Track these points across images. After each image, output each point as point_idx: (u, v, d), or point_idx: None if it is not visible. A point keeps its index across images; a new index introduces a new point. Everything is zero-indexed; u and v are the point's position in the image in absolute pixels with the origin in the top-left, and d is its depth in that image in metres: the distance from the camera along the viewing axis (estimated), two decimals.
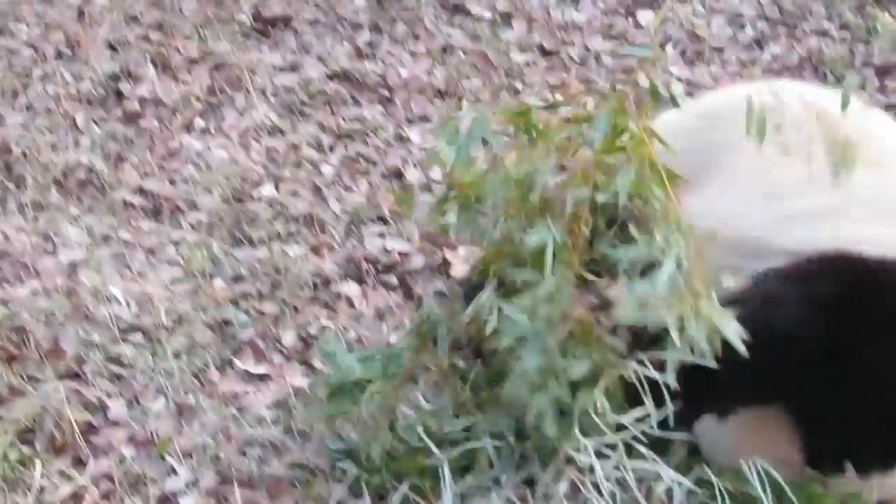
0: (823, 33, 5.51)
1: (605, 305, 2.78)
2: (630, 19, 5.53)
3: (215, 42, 5.02)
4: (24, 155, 4.39)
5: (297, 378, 3.47)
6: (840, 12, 5.60)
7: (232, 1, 5.27)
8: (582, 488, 2.74)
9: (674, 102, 2.87)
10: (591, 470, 2.73)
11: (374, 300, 3.83)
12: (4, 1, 5.41)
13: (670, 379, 2.65)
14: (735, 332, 2.62)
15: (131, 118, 4.65)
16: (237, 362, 3.52)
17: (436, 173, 4.38)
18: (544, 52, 5.26)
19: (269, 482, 3.06)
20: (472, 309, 2.83)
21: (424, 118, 4.81)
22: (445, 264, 3.90)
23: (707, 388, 2.74)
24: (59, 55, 5.05)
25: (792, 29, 5.55)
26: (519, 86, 5.03)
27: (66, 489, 3.01)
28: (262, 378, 3.49)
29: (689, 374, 2.67)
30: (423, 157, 4.55)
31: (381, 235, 4.12)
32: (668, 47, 5.20)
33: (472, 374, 2.99)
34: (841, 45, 5.37)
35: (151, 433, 3.20)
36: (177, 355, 3.48)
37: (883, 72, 5.15)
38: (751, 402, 2.85)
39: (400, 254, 3.99)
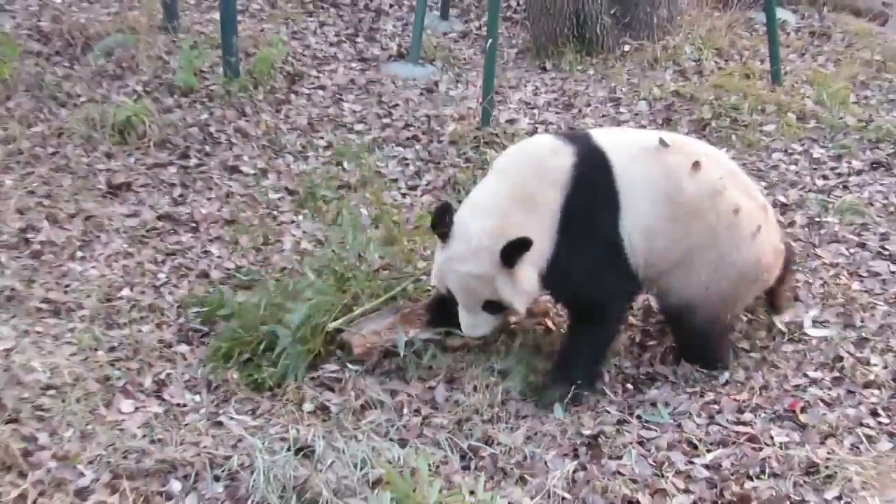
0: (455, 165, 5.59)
1: None
2: None
3: (85, 202, 4.83)
4: None
5: (155, 407, 3.53)
6: (464, 151, 5.65)
7: (92, 175, 5.05)
8: None
9: None
10: None
11: (198, 355, 3.88)
12: None
13: None
14: None
15: (36, 255, 4.39)
16: (116, 401, 3.54)
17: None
18: (289, 192, 5.23)
19: (143, 475, 3.07)
20: None
21: (219, 238, 4.76)
22: None
23: None
24: None
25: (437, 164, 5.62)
26: (276, 214, 5.02)
27: (14, 493, 2.94)
28: (134, 409, 3.51)
29: None
30: (220, 263, 4.55)
31: (198, 314, 4.15)
32: None
33: None
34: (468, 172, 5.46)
35: (66, 452, 3.17)
36: (78, 400, 3.44)
37: None
38: None
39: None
